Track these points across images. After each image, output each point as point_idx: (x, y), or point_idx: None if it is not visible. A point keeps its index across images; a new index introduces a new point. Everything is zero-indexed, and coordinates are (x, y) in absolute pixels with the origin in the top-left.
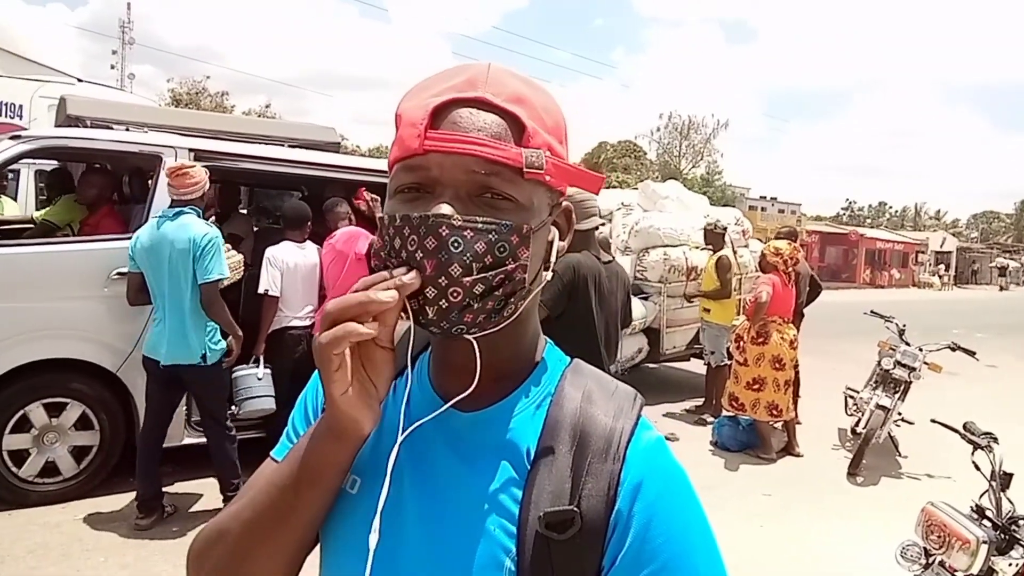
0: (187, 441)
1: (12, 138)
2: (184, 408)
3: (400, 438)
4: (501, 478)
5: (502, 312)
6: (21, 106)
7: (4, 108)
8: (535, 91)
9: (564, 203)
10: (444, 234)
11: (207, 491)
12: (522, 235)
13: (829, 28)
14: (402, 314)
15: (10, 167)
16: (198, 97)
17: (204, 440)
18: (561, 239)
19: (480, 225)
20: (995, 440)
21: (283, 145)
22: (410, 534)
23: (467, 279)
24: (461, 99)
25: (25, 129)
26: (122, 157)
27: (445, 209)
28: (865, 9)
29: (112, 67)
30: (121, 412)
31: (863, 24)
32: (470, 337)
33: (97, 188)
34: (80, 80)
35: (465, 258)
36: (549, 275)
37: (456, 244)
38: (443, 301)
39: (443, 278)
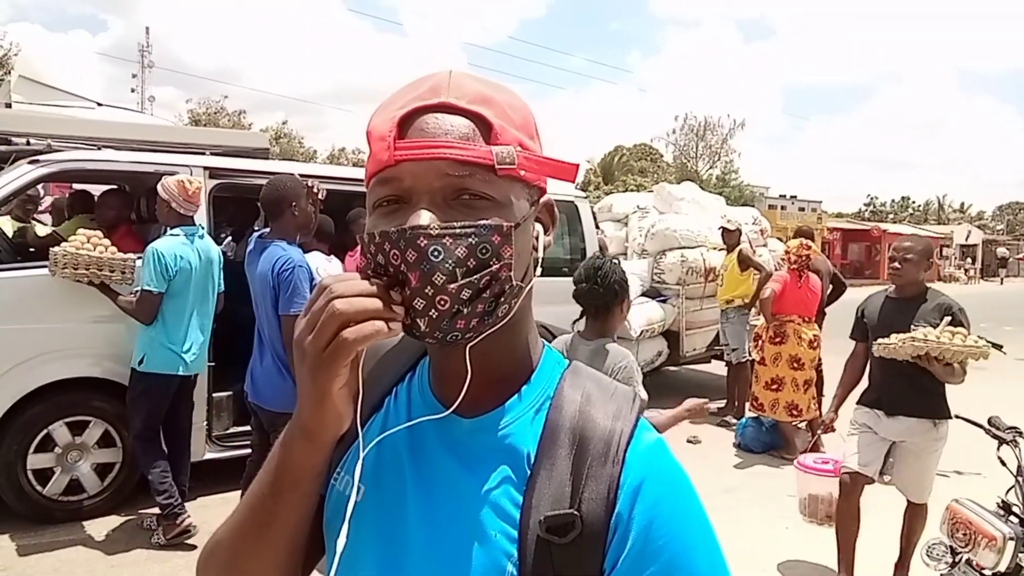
0: (208, 456)
1: (31, 162)
2: (205, 423)
3: (363, 450)
4: (502, 483)
5: (495, 313)
6: None
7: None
8: (499, 91)
9: (546, 198)
10: (423, 244)
11: (231, 506)
12: (503, 234)
13: (846, 22)
14: (390, 327)
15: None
16: (216, 117)
17: (227, 455)
18: (546, 234)
19: (459, 230)
20: (1020, 435)
21: (205, 153)
22: (413, 540)
23: (452, 286)
24: (425, 107)
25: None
26: (139, 178)
27: (422, 219)
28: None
29: (132, 90)
30: None
31: (880, 16)
32: (465, 344)
33: (116, 209)
34: (100, 104)
35: (447, 265)
36: (539, 272)
37: (436, 253)
38: (432, 311)
39: (428, 288)
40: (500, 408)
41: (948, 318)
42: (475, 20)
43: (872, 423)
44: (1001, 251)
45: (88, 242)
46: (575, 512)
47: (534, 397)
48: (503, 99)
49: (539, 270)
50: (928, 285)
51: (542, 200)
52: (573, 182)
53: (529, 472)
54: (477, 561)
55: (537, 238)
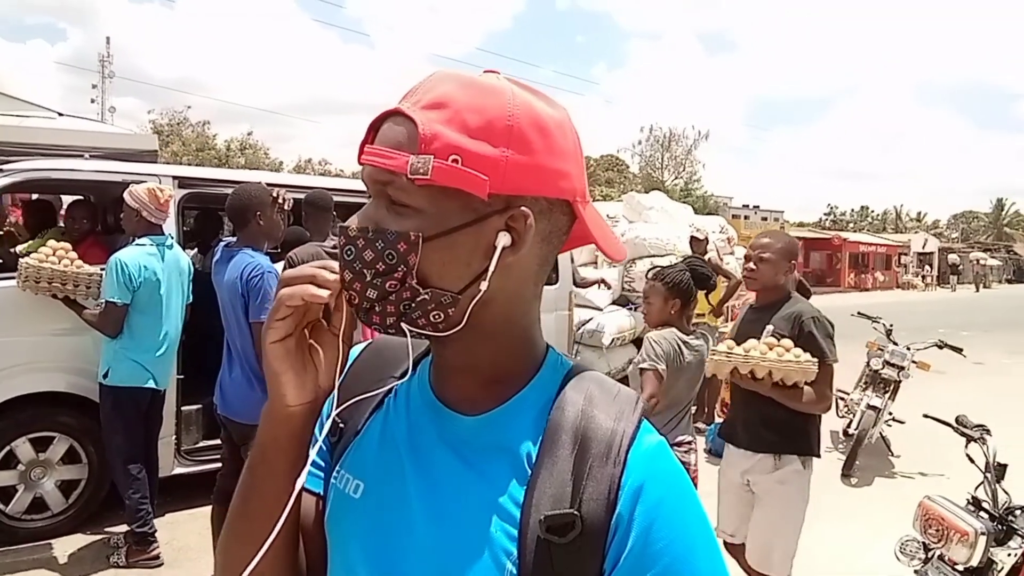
0: (177, 471)
1: None
2: (174, 437)
3: (334, 409)
4: (503, 481)
5: (420, 317)
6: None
7: None
8: (469, 91)
9: (520, 209)
10: (341, 243)
11: (200, 522)
12: (409, 243)
13: (806, 36)
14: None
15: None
16: (179, 128)
17: (196, 469)
18: (516, 244)
19: (370, 234)
20: (988, 432)
21: (85, 157)
22: (412, 537)
23: (357, 284)
24: (386, 112)
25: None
26: (105, 187)
27: (352, 220)
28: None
29: (93, 100)
30: None
31: (840, 31)
32: (405, 329)
33: (83, 220)
34: (61, 114)
35: (356, 265)
36: (486, 284)
37: (348, 252)
38: (353, 302)
39: (344, 282)
40: (502, 407)
41: (795, 329)
42: (443, 32)
43: (724, 460)
44: (952, 258)
45: (54, 255)
46: (575, 512)
47: (536, 397)
48: (466, 101)
49: (486, 283)
50: (792, 292)
51: (518, 209)
52: (483, 197)
53: (530, 471)
54: (477, 559)
55: (497, 248)
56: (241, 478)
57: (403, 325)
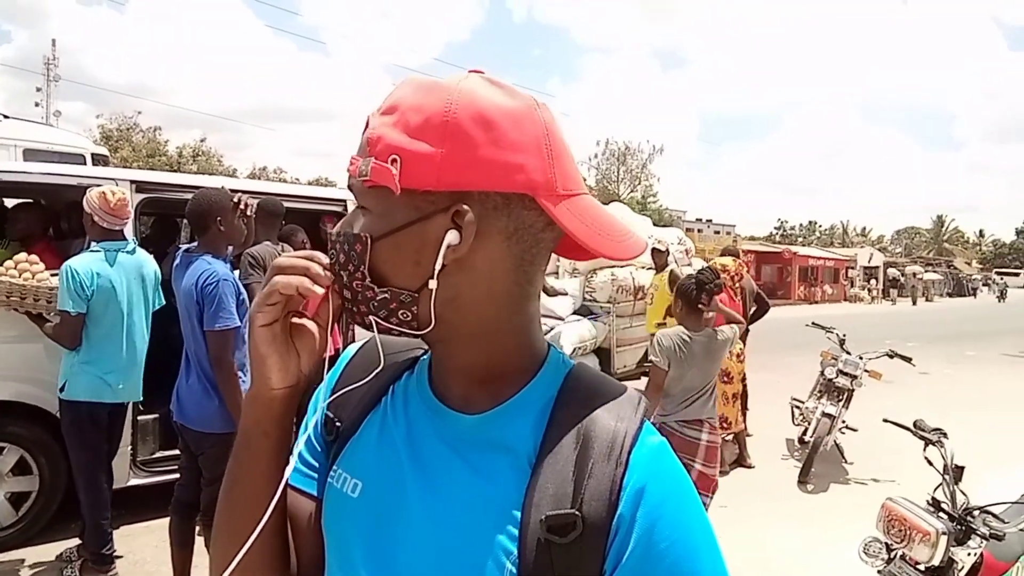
0: (133, 482)
1: None
2: (130, 448)
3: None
4: (503, 481)
5: (391, 317)
6: None
7: None
8: (417, 92)
9: (458, 206)
10: (328, 247)
11: (157, 534)
12: (363, 243)
13: (756, 54)
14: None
15: None
16: (129, 133)
17: (153, 480)
18: (462, 241)
19: (340, 238)
20: (945, 435)
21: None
22: (411, 536)
23: (336, 285)
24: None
25: None
26: (58, 191)
27: (336, 226)
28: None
29: (37, 104)
30: (61, 455)
31: (789, 50)
32: (374, 323)
33: (27, 223)
34: (6, 116)
35: (336, 267)
36: (434, 284)
37: (332, 255)
38: (338, 300)
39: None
40: (502, 406)
41: None
42: (400, 42)
43: None
44: (892, 272)
45: (16, 267)
46: (577, 512)
47: (537, 396)
48: (412, 102)
49: (434, 282)
50: None
51: (458, 206)
52: (396, 192)
53: (531, 471)
54: (477, 559)
55: (445, 245)
56: (227, 470)
57: (374, 320)
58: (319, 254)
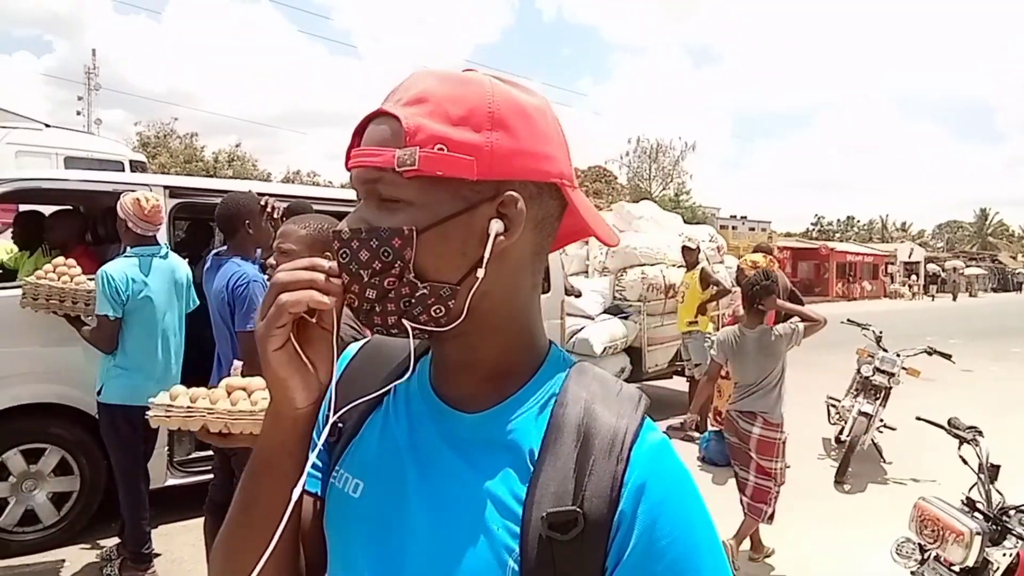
0: (170, 482)
1: None
2: (166, 448)
3: (332, 415)
4: (504, 478)
5: (422, 313)
6: None
7: None
8: (448, 84)
9: (508, 193)
10: (336, 247)
11: (193, 533)
12: (404, 237)
13: (791, 49)
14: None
15: None
16: (166, 139)
17: (189, 480)
18: (509, 230)
19: (363, 235)
20: (980, 434)
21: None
22: (413, 535)
23: (355, 286)
24: (370, 115)
25: None
26: (95, 197)
27: (343, 224)
28: (825, 29)
29: (78, 113)
30: (101, 456)
31: (824, 43)
32: (408, 326)
33: (65, 229)
34: (48, 125)
35: (352, 267)
36: (482, 272)
37: (344, 255)
38: (351, 306)
39: (344, 285)
40: (503, 404)
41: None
42: (431, 44)
43: None
44: (932, 268)
45: (55, 271)
46: (578, 509)
47: (538, 394)
48: (446, 93)
49: (482, 271)
50: None
51: (506, 194)
52: (472, 179)
53: (532, 468)
54: (478, 556)
55: (491, 235)
56: (240, 488)
57: (404, 322)
58: (319, 261)
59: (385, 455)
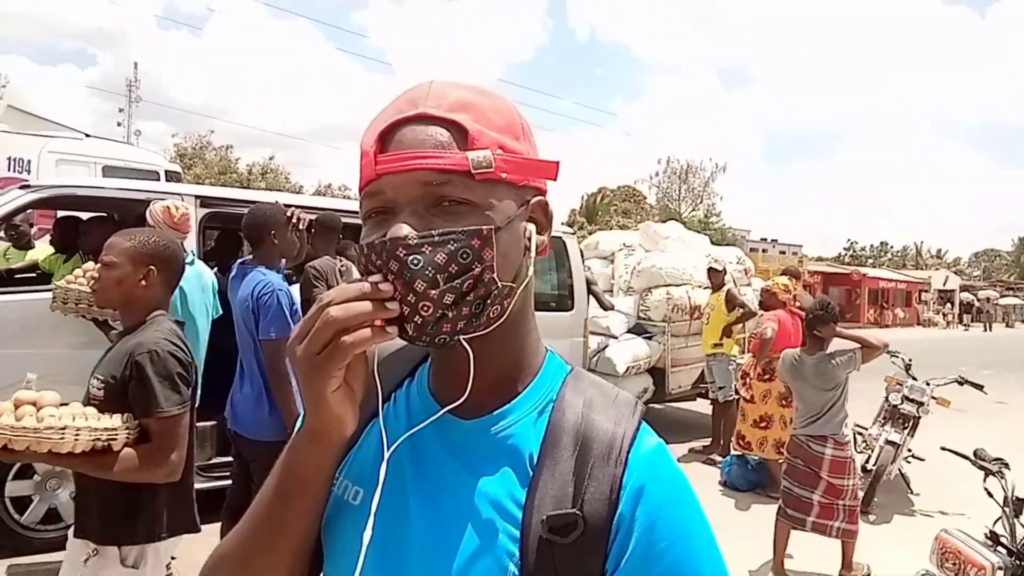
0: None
1: (21, 187)
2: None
3: (388, 449)
4: (504, 483)
5: (484, 315)
6: (29, 161)
7: (13, 163)
8: (482, 95)
9: (539, 198)
10: (402, 255)
11: (213, 538)
12: (483, 237)
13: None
14: (388, 330)
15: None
16: (202, 151)
17: (209, 485)
18: (540, 233)
19: (437, 238)
20: (1006, 466)
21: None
22: (414, 541)
23: (433, 292)
24: (403, 119)
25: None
26: (129, 205)
27: (402, 230)
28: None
29: (119, 124)
30: None
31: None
32: (464, 342)
33: (100, 237)
34: (88, 135)
35: (427, 272)
36: (532, 271)
37: (416, 262)
38: (417, 317)
39: (412, 295)
40: (502, 410)
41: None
42: (463, 62)
43: None
44: (965, 296)
45: (84, 275)
46: (577, 512)
47: (536, 399)
48: (484, 103)
49: (531, 270)
50: (157, 312)
51: (535, 200)
52: (554, 179)
53: (531, 473)
54: (479, 561)
55: (529, 238)
56: (265, 509)
57: (462, 339)
58: (375, 288)
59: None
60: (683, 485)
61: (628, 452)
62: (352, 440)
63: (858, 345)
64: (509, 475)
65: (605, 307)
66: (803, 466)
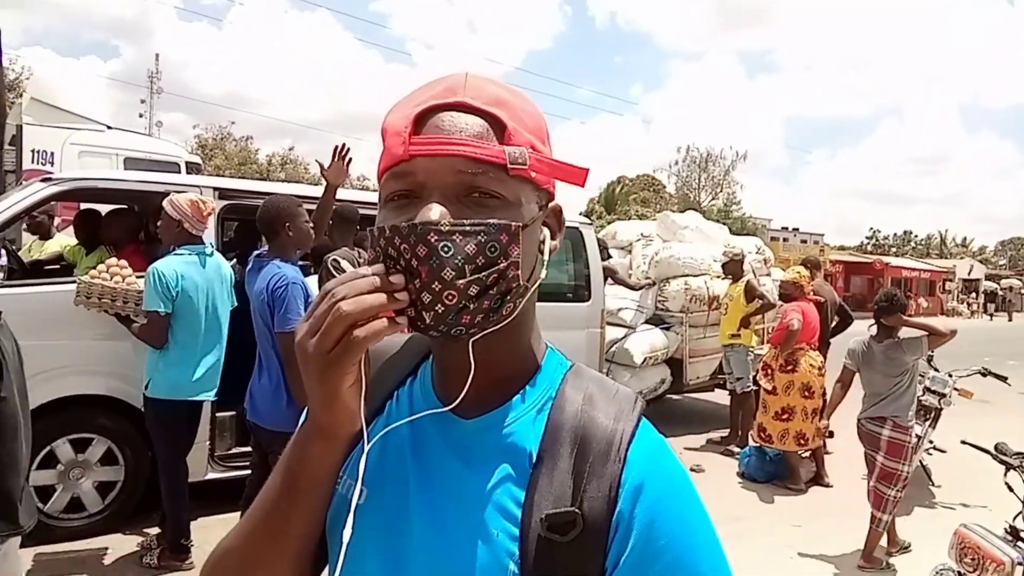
0: (210, 476)
1: (43, 180)
2: (208, 442)
3: (366, 444)
4: (504, 482)
5: (500, 311)
6: (52, 153)
7: (36, 155)
8: (514, 95)
9: (554, 204)
10: (433, 240)
11: (231, 527)
12: (511, 233)
13: (849, 56)
14: (398, 321)
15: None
16: (223, 142)
17: (229, 475)
18: (552, 239)
19: (468, 228)
20: None
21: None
22: (415, 540)
23: (461, 281)
24: (442, 104)
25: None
26: (149, 197)
27: (434, 214)
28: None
29: (140, 116)
30: (145, 448)
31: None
32: (468, 339)
33: (120, 228)
34: (110, 127)
35: (456, 261)
36: (544, 274)
37: (446, 249)
38: (439, 306)
39: (437, 283)
40: (502, 407)
41: None
42: (483, 51)
43: None
44: (988, 285)
45: (107, 271)
46: (577, 510)
47: (536, 397)
48: (517, 103)
49: (544, 272)
50: None
51: (551, 205)
52: (583, 185)
53: (531, 471)
54: (479, 560)
55: (543, 241)
56: (272, 505)
57: (470, 341)
58: (387, 279)
59: (388, 461)
60: (683, 481)
61: (628, 449)
62: (356, 438)
63: (925, 333)
64: (509, 473)
65: (633, 287)
66: (868, 451)
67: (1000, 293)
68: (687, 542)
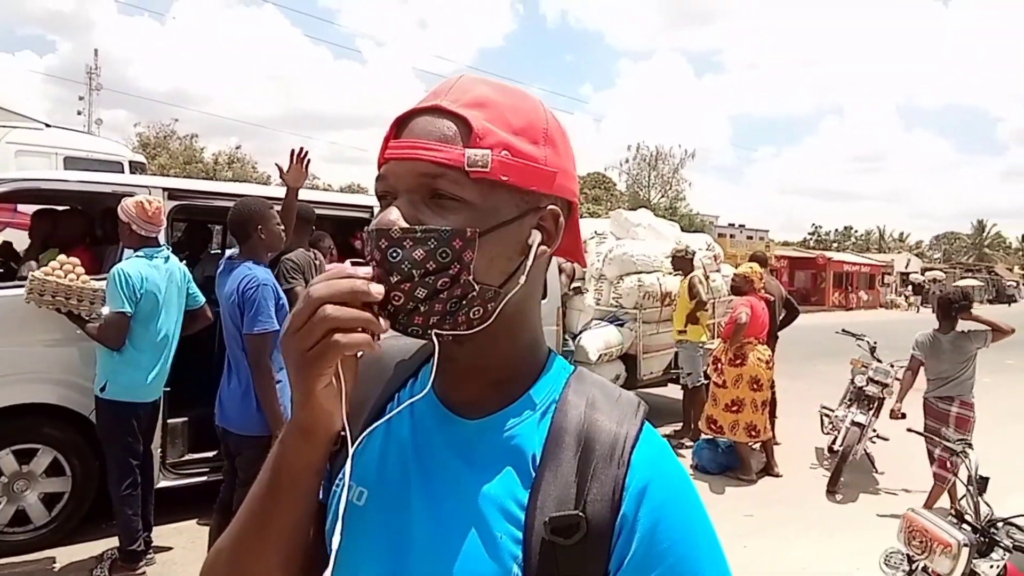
0: (162, 484)
1: None
2: (159, 450)
3: (351, 445)
4: (507, 484)
5: (462, 314)
6: None
7: None
8: (505, 94)
9: (552, 207)
10: (384, 246)
11: (185, 535)
12: (466, 238)
13: (792, 58)
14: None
15: None
16: (167, 141)
17: (181, 483)
18: (548, 243)
19: (419, 234)
20: (970, 446)
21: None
22: (417, 542)
23: (405, 285)
24: (419, 109)
25: None
26: (95, 198)
27: (391, 215)
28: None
29: (79, 113)
30: (93, 457)
31: (825, 51)
32: (434, 336)
33: (66, 229)
34: (48, 125)
35: (404, 266)
36: (524, 279)
37: (395, 254)
38: (389, 306)
39: (385, 285)
40: (505, 410)
41: None
42: (433, 49)
43: None
44: (915, 277)
45: (60, 269)
46: (580, 513)
47: (539, 400)
48: (506, 102)
49: (524, 277)
50: None
51: (549, 208)
52: (550, 190)
53: (534, 474)
54: (482, 563)
55: (530, 245)
56: (258, 504)
57: (433, 332)
58: (356, 283)
59: (389, 462)
60: (686, 485)
61: (631, 453)
62: (338, 438)
63: (989, 328)
64: (512, 476)
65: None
66: (932, 424)
67: (926, 286)
68: (689, 546)
